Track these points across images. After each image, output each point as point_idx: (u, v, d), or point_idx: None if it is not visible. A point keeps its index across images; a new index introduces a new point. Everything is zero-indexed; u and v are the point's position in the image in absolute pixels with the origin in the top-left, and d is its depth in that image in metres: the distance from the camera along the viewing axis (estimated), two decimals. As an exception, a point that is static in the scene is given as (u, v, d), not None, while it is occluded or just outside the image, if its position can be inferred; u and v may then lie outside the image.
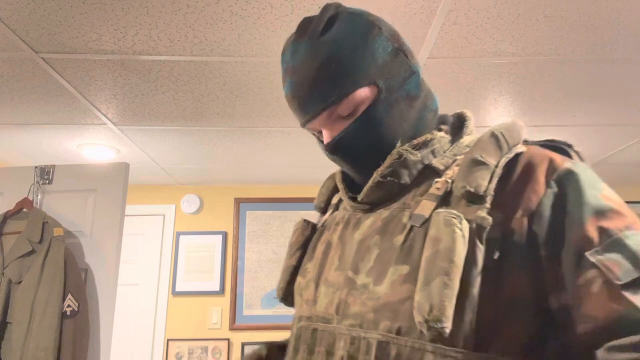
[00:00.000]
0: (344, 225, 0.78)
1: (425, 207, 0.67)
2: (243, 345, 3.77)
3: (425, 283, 0.59)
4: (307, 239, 0.88)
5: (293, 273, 0.86)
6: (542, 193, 0.62)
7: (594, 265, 0.57)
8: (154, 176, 3.82)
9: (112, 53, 1.99)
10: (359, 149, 0.74)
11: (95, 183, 2.48)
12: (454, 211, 0.62)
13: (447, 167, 0.72)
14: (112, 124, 2.73)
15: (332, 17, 0.74)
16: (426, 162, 0.73)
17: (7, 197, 2.44)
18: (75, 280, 2.21)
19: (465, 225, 0.60)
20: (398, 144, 0.73)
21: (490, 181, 0.63)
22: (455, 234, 0.59)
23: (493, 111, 2.59)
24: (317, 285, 0.76)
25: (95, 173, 2.50)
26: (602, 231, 0.58)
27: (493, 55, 2.03)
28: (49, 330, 2.05)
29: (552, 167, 0.65)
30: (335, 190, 0.92)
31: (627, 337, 0.54)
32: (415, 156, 0.72)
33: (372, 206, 0.75)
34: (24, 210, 2.33)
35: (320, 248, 0.81)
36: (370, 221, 0.73)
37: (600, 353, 0.56)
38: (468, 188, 0.63)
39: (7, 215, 2.32)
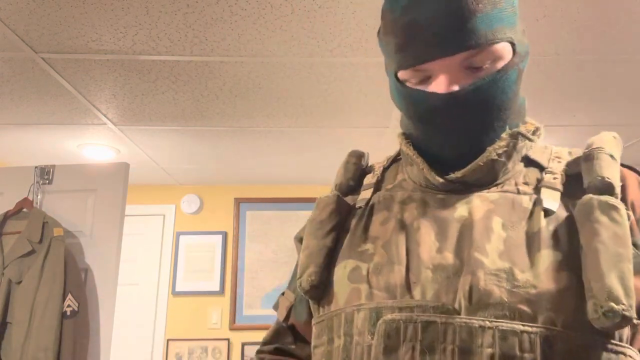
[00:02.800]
0: (420, 204, 0.67)
1: (549, 194, 0.63)
2: (243, 345, 3.77)
3: (608, 270, 0.54)
4: (342, 219, 0.74)
5: (328, 255, 0.70)
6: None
7: None
8: (154, 176, 3.82)
9: (112, 53, 1.99)
10: (483, 106, 0.64)
11: (95, 183, 2.48)
12: (612, 198, 0.59)
13: (548, 162, 0.70)
14: (112, 124, 2.73)
15: None
16: (526, 151, 0.69)
17: (7, 197, 2.44)
18: (75, 280, 2.21)
19: (625, 212, 0.59)
20: (513, 126, 0.68)
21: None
22: (624, 220, 0.58)
23: (493, 111, 2.59)
24: (409, 268, 0.62)
25: (95, 173, 2.50)
26: None
27: (493, 55, 2.03)
28: (49, 330, 2.05)
29: None
30: (364, 171, 0.81)
31: None
32: (528, 142, 0.70)
33: (467, 187, 0.66)
34: (24, 210, 2.33)
35: (382, 228, 0.68)
36: (475, 203, 0.65)
37: None
38: (606, 179, 0.62)
39: (7, 215, 2.32)
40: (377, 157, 0.86)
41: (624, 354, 0.55)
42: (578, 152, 0.72)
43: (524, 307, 0.55)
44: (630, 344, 0.57)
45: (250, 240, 3.98)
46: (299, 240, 0.81)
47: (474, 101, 0.64)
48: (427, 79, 0.66)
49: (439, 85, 0.64)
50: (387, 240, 0.66)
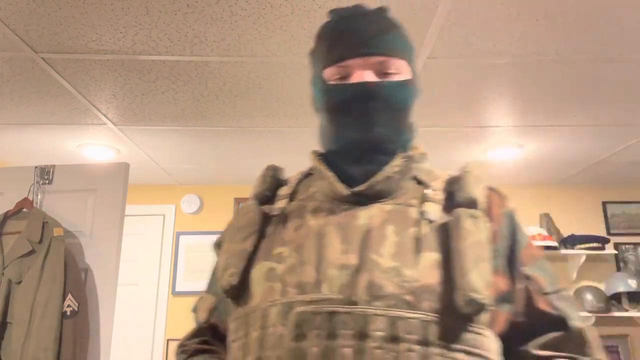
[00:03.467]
0: (328, 213, 0.79)
1: (432, 208, 0.78)
2: (243, 345, 3.77)
3: (469, 268, 0.69)
4: (259, 225, 0.82)
5: (246, 258, 0.78)
6: (500, 219, 0.81)
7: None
8: (154, 176, 3.82)
9: (112, 53, 1.99)
10: (391, 106, 0.81)
11: (95, 183, 2.47)
12: (476, 211, 0.75)
13: (432, 181, 0.84)
14: (112, 124, 2.73)
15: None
16: (414, 173, 0.84)
17: (7, 197, 2.44)
18: (75, 280, 2.21)
19: (484, 222, 0.76)
20: (402, 150, 0.84)
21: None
22: (487, 230, 0.75)
23: (493, 111, 2.59)
24: (317, 268, 0.72)
25: (95, 173, 2.50)
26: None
27: (493, 55, 2.03)
28: (49, 330, 2.05)
29: (505, 205, 0.84)
30: (279, 183, 0.91)
31: (550, 334, 0.76)
32: (417, 165, 0.85)
33: (367, 199, 0.79)
34: (24, 210, 2.33)
35: (294, 234, 0.78)
36: (373, 212, 0.77)
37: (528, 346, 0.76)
38: (472, 196, 0.78)
39: (7, 215, 2.32)
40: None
41: (483, 334, 0.70)
42: (455, 174, 0.86)
43: (409, 298, 0.68)
44: (490, 327, 0.72)
45: (250, 240, 3.97)
46: (218, 246, 0.91)
47: (381, 95, 0.79)
48: (346, 77, 0.82)
49: (355, 78, 0.80)
50: (300, 244, 0.76)
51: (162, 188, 4.10)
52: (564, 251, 3.70)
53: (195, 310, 0.92)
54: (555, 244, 3.61)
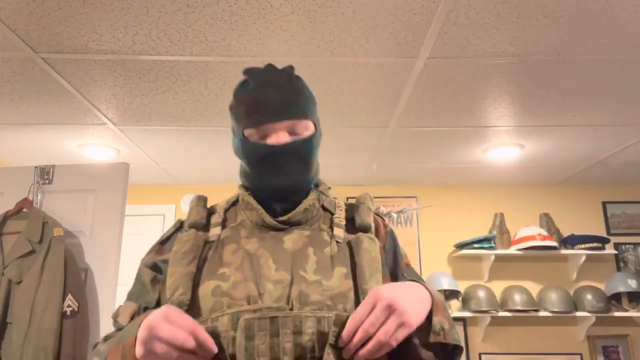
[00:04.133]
0: (259, 239, 0.99)
1: (338, 231, 1.03)
2: (243, 345, 3.77)
3: (369, 277, 0.94)
4: (199, 250, 0.99)
5: (192, 279, 0.94)
6: (385, 238, 1.10)
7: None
8: (154, 176, 3.82)
9: (112, 53, 1.99)
10: (299, 156, 1.01)
11: (95, 183, 2.47)
12: (372, 235, 1.02)
13: (334, 209, 1.09)
14: (112, 124, 2.73)
15: (296, 75, 1.06)
16: (323, 202, 1.09)
17: (7, 197, 2.44)
18: (75, 280, 2.21)
19: (377, 244, 1.02)
20: (316, 185, 1.09)
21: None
22: (378, 248, 1.01)
23: (493, 111, 2.59)
24: (257, 283, 0.91)
25: (95, 173, 2.50)
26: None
27: (493, 55, 2.03)
28: (49, 330, 2.05)
29: (387, 226, 1.14)
30: (209, 211, 1.09)
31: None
32: (326, 197, 1.10)
33: (289, 226, 1.01)
34: (24, 210, 2.33)
35: (233, 256, 0.97)
36: (294, 237, 1.00)
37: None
38: (367, 222, 1.05)
39: (7, 215, 2.32)
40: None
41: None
42: (350, 201, 1.13)
43: (328, 302, 0.90)
44: None
45: (250, 240, 3.97)
46: (150, 266, 1.05)
47: (293, 151, 1.00)
48: (264, 137, 1.00)
49: (272, 140, 0.99)
50: (239, 265, 0.95)
51: (162, 188, 4.09)
52: (564, 251, 3.70)
53: (116, 316, 1.04)
54: (555, 244, 3.61)
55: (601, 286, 3.71)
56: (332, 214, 1.07)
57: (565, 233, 3.84)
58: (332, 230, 1.03)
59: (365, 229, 1.04)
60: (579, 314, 3.54)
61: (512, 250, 3.68)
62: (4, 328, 2.12)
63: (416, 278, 1.06)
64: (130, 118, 2.64)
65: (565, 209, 4.02)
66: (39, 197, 2.46)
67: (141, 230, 3.98)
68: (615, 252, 3.79)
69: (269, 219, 1.00)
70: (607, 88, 2.34)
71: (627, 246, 3.94)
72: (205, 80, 2.23)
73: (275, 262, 0.95)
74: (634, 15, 1.76)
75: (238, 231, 1.02)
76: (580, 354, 3.70)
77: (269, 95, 1.00)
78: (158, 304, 1.00)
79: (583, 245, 3.66)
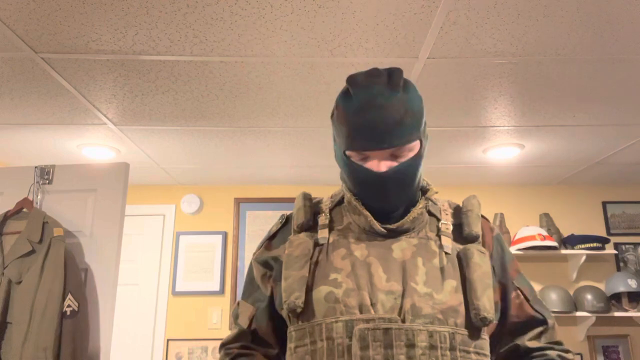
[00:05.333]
0: (367, 245, 1.00)
1: (446, 241, 1.01)
2: (243, 345, 3.76)
3: (481, 293, 0.94)
4: (311, 252, 1.01)
5: (306, 283, 0.97)
6: (492, 245, 1.08)
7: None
8: (154, 176, 3.82)
9: (112, 53, 1.99)
10: (402, 181, 0.98)
11: (95, 183, 2.47)
12: (482, 247, 1.01)
13: (440, 214, 1.07)
14: (112, 124, 2.73)
15: (405, 79, 0.98)
16: (429, 208, 1.07)
17: (7, 197, 2.44)
18: (75, 280, 2.21)
19: (488, 257, 1.01)
20: (423, 190, 1.07)
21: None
22: (489, 261, 1.00)
23: (493, 111, 2.59)
24: (369, 293, 0.93)
25: (95, 173, 2.50)
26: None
27: (493, 55, 2.03)
28: (49, 330, 2.05)
29: (493, 230, 1.11)
30: (315, 210, 1.09)
31: (535, 329, 1.06)
32: (434, 204, 1.08)
33: (397, 234, 1.00)
34: (24, 210, 2.33)
35: (343, 262, 0.98)
36: (403, 245, 0.99)
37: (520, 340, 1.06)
38: (476, 232, 1.03)
39: (7, 215, 2.32)
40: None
41: (485, 339, 0.97)
42: (454, 204, 1.11)
43: (440, 316, 0.91)
44: (487, 333, 0.99)
45: (250, 240, 3.97)
46: (261, 263, 1.09)
47: (395, 178, 0.97)
48: (365, 158, 0.98)
49: (374, 165, 0.97)
50: (350, 272, 0.96)
51: (162, 188, 4.09)
52: (564, 251, 3.70)
53: (236, 316, 1.10)
54: (555, 244, 3.61)
55: (601, 286, 3.71)
56: (439, 220, 1.06)
57: (565, 233, 3.84)
58: (439, 239, 1.02)
59: (474, 239, 1.03)
60: (579, 314, 3.54)
61: (512, 250, 3.68)
62: (4, 328, 2.12)
63: (526, 285, 1.07)
64: (130, 118, 2.64)
65: (565, 209, 4.02)
66: (39, 197, 2.46)
67: (141, 230, 3.98)
68: (615, 252, 3.79)
69: (377, 227, 1.00)
70: (607, 88, 2.34)
71: (627, 246, 3.94)
72: (205, 80, 2.23)
73: (386, 272, 0.95)
74: (634, 15, 1.76)
75: (346, 235, 1.03)
76: (580, 354, 3.70)
77: (374, 119, 0.94)
78: (270, 301, 1.06)
79: (583, 245, 3.66)
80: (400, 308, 0.91)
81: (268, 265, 1.08)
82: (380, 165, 0.96)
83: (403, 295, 0.92)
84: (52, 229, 2.24)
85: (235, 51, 1.98)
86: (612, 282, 3.63)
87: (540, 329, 1.06)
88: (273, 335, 1.08)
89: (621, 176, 3.81)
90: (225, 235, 3.96)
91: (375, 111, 0.94)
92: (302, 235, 1.03)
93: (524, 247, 3.60)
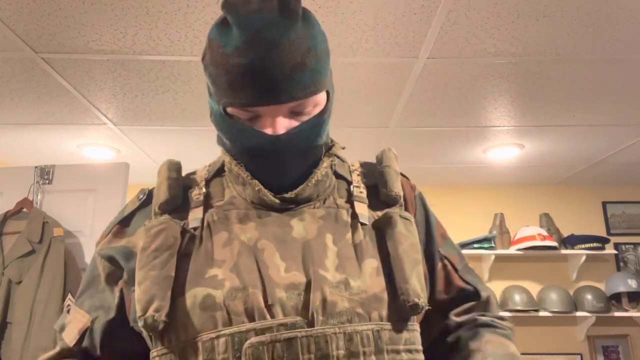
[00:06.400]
0: (258, 224, 0.73)
1: (361, 208, 0.77)
2: (243, 345, 3.77)
3: (410, 272, 0.70)
4: (176, 243, 0.71)
5: (170, 286, 0.68)
6: (414, 205, 0.85)
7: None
8: (154, 176, 3.81)
9: (112, 53, 1.99)
10: (304, 147, 0.74)
11: (95, 183, 2.47)
12: (406, 213, 0.77)
13: (349, 174, 0.82)
14: (112, 124, 2.73)
15: (303, 7, 0.72)
16: (335, 168, 0.82)
17: (7, 197, 2.44)
18: (75, 280, 2.21)
19: (414, 223, 0.77)
20: (328, 149, 0.81)
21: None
22: (416, 230, 0.76)
23: (493, 111, 2.59)
24: (263, 290, 0.66)
25: (95, 173, 2.50)
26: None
27: (493, 55, 2.03)
28: (49, 330, 2.05)
29: (414, 188, 0.88)
30: (185, 184, 0.80)
31: (464, 304, 0.83)
32: (340, 161, 0.83)
33: (296, 204, 0.75)
34: (24, 210, 2.33)
35: (224, 251, 0.70)
36: (306, 220, 0.74)
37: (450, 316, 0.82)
38: (396, 193, 0.79)
39: (7, 215, 2.32)
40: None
41: (416, 329, 0.73)
42: (367, 163, 0.86)
43: (360, 310, 0.67)
44: (417, 320, 0.75)
45: (250, 240, 3.97)
46: (107, 258, 0.79)
47: (296, 142, 0.72)
48: (255, 117, 0.72)
49: (267, 126, 0.71)
50: (235, 263, 0.68)
51: (162, 188, 4.09)
52: (564, 251, 3.70)
53: (61, 329, 0.79)
54: (555, 244, 3.61)
55: (601, 286, 3.71)
56: (349, 183, 0.80)
57: (565, 233, 3.84)
58: (352, 206, 0.77)
59: (395, 202, 0.78)
60: (579, 314, 3.54)
61: (512, 250, 3.68)
62: (4, 328, 2.12)
63: (455, 253, 0.86)
64: (130, 118, 2.64)
65: (565, 209, 4.02)
66: (39, 197, 2.46)
67: (141, 230, 3.98)
68: (615, 252, 3.79)
69: (269, 197, 0.73)
70: (607, 88, 2.34)
71: (627, 246, 3.94)
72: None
73: (284, 258, 0.69)
74: (634, 15, 1.76)
75: (229, 214, 0.74)
76: (580, 354, 3.70)
77: (264, 62, 0.67)
78: (120, 312, 0.75)
79: (583, 245, 3.66)
80: (307, 307, 0.65)
81: (114, 261, 0.78)
82: (275, 125, 0.71)
83: (309, 289, 0.66)
84: (52, 229, 2.24)
85: (235, 51, 1.98)
86: (612, 282, 3.63)
87: (471, 303, 0.83)
88: None
89: (621, 176, 3.81)
90: (225, 235, 3.96)
91: (265, 49, 0.67)
92: (165, 217, 0.73)
93: (524, 247, 3.60)
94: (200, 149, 3.18)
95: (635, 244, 3.94)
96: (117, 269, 0.77)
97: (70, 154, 3.19)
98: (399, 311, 0.69)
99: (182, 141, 3.02)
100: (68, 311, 0.80)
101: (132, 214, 0.82)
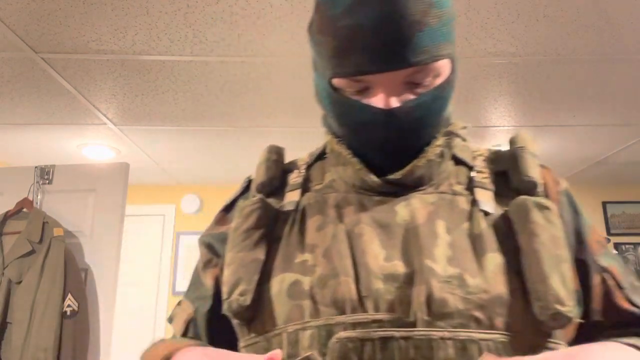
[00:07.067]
0: (358, 207, 0.64)
1: (484, 195, 0.64)
2: (243, 345, 3.77)
3: (550, 271, 0.55)
4: (270, 226, 0.66)
5: (259, 270, 0.63)
6: (559, 202, 0.68)
7: None
8: (154, 176, 3.81)
9: (112, 53, 1.99)
10: (421, 124, 0.63)
11: (95, 183, 2.47)
12: (544, 199, 0.61)
13: (472, 159, 0.69)
14: (112, 124, 2.73)
15: None
16: (452, 151, 0.69)
17: (7, 197, 2.44)
18: (75, 280, 2.21)
19: (557, 213, 0.61)
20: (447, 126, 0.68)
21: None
22: (559, 221, 0.60)
23: (493, 111, 2.59)
24: (357, 279, 0.57)
25: (95, 173, 2.50)
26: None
27: (493, 55, 2.03)
28: (49, 331, 2.05)
29: (559, 182, 0.71)
30: (285, 169, 0.75)
31: (629, 332, 0.63)
32: (461, 141, 0.70)
33: (404, 189, 0.64)
34: (24, 210, 2.33)
35: (318, 235, 0.63)
36: (414, 205, 0.62)
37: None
38: (533, 179, 0.64)
39: (7, 215, 2.32)
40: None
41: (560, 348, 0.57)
42: (494, 149, 0.73)
43: (479, 314, 0.54)
44: (564, 339, 0.59)
45: (250, 240, 3.97)
46: (206, 245, 0.77)
47: (413, 118, 0.61)
48: (364, 90, 0.62)
49: (379, 99, 0.61)
50: (328, 248, 0.61)
51: (162, 188, 4.09)
52: (564, 251, 3.70)
53: (171, 320, 0.76)
54: (555, 244, 3.61)
55: (601, 286, 3.71)
56: (471, 168, 0.68)
57: (565, 233, 3.84)
58: (472, 193, 0.64)
59: (530, 190, 0.63)
60: (579, 314, 3.53)
61: (512, 250, 3.68)
62: (4, 328, 2.12)
63: (617, 265, 0.66)
64: (130, 118, 2.64)
65: (565, 209, 4.02)
66: (39, 197, 2.46)
67: (141, 230, 3.98)
68: (615, 252, 3.79)
69: (372, 179, 0.64)
70: (607, 88, 2.34)
71: (627, 246, 3.94)
72: (205, 80, 2.23)
73: (385, 246, 0.59)
74: (634, 15, 1.76)
75: (326, 196, 0.67)
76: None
77: (377, 21, 0.57)
78: (216, 300, 0.70)
79: (583, 245, 3.67)
80: (408, 302, 0.55)
81: (212, 248, 0.76)
82: (388, 98, 0.61)
83: (412, 281, 0.56)
84: (52, 229, 2.24)
85: (235, 51, 1.98)
86: (612, 282, 3.63)
87: (638, 330, 0.63)
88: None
89: (621, 176, 3.81)
90: (225, 235, 3.96)
91: (379, 5, 0.57)
92: (257, 199, 0.68)
93: (524, 247, 3.60)
94: (200, 149, 3.18)
95: (635, 244, 3.94)
96: (214, 257, 0.75)
97: (70, 154, 3.19)
98: (535, 322, 0.54)
99: (182, 141, 3.02)
100: (179, 303, 0.77)
101: (234, 200, 0.80)
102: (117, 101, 2.43)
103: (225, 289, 0.62)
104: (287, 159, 0.76)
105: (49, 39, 1.88)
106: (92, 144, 3.04)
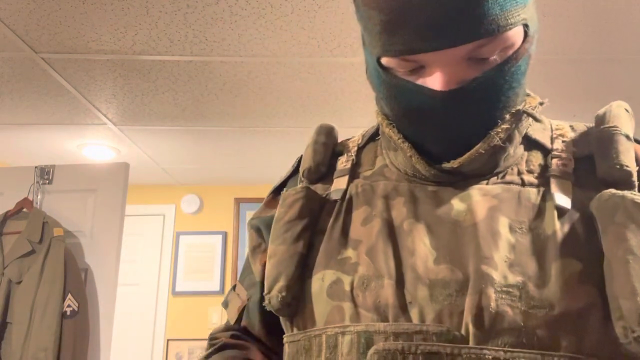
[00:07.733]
0: (409, 199, 0.56)
1: (561, 186, 0.53)
2: (243, 345, 3.77)
3: (637, 285, 0.45)
4: (314, 217, 0.60)
5: (300, 264, 0.58)
6: None
7: None
8: (154, 176, 3.82)
9: (112, 53, 1.99)
10: (486, 108, 0.53)
11: (95, 183, 2.47)
12: (639, 195, 0.49)
13: (550, 142, 0.58)
14: (112, 124, 2.73)
15: None
16: (526, 130, 0.58)
17: (7, 197, 2.44)
18: (75, 280, 2.21)
19: None
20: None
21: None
22: None
23: (493, 111, 2.59)
24: (400, 283, 0.51)
25: (95, 173, 2.50)
26: None
27: (493, 55, 2.03)
28: (49, 331, 2.05)
29: None
30: (335, 151, 0.68)
31: None
32: (535, 121, 0.59)
33: (462, 177, 0.56)
34: (24, 210, 2.33)
35: (364, 229, 0.56)
36: (473, 198, 0.54)
37: None
38: (625, 167, 0.52)
39: (7, 215, 2.32)
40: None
41: None
42: (580, 126, 0.61)
43: (544, 332, 0.46)
44: None
45: (250, 240, 3.97)
46: (256, 229, 0.71)
47: (475, 100, 0.52)
48: (419, 69, 0.53)
49: (435, 80, 0.52)
50: (372, 245, 0.54)
51: (162, 188, 4.09)
52: (564, 251, 3.70)
53: (225, 305, 0.73)
54: (555, 244, 3.61)
55: (601, 286, 3.71)
56: (549, 151, 0.57)
57: (565, 233, 3.84)
58: (547, 183, 0.54)
59: (622, 182, 0.52)
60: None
61: (512, 250, 3.67)
62: (4, 328, 2.12)
63: None
64: (130, 118, 2.64)
65: (565, 209, 4.02)
66: (39, 197, 2.46)
67: (141, 230, 3.98)
68: None
69: (425, 167, 0.56)
70: (608, 88, 2.34)
71: None
72: (205, 80, 2.23)
73: (435, 246, 0.52)
74: (634, 15, 1.76)
75: (375, 185, 0.60)
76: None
77: None
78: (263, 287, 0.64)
79: (583, 245, 3.66)
80: (459, 314, 0.48)
81: (260, 233, 0.70)
82: (445, 78, 0.51)
83: (465, 289, 0.49)
84: (52, 229, 2.25)
85: (235, 51, 1.98)
86: (612, 282, 3.62)
87: None
88: (272, 339, 0.68)
89: (621, 176, 3.82)
90: (225, 235, 3.96)
91: None
92: (301, 187, 0.63)
93: (524, 247, 3.59)
94: (201, 149, 3.18)
95: (635, 244, 3.94)
96: (262, 241, 0.69)
97: (70, 154, 3.19)
98: (615, 345, 0.46)
99: (182, 141, 3.02)
100: (234, 287, 0.73)
101: (285, 182, 0.74)
102: (117, 101, 2.43)
103: (266, 283, 0.59)
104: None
105: (49, 39, 1.88)
106: (92, 144, 3.04)
